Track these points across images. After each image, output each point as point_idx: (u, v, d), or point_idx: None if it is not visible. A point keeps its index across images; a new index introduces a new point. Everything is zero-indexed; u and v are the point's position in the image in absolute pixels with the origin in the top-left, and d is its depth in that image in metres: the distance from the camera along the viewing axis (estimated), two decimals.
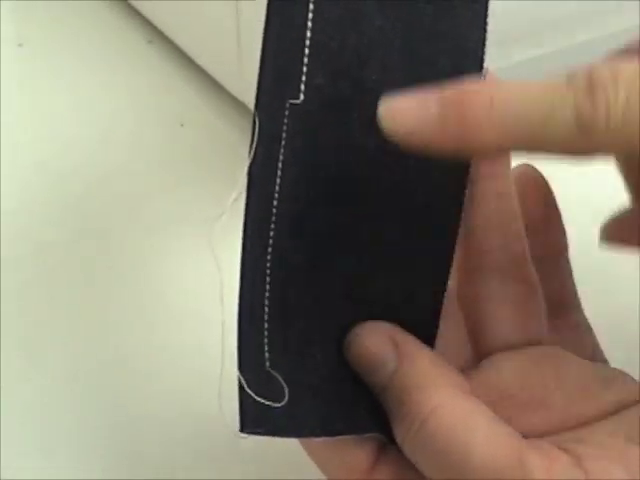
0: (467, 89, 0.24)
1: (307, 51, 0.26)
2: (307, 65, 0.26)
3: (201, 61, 0.52)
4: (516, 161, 0.30)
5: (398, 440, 0.27)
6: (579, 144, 0.23)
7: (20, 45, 0.55)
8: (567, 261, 0.33)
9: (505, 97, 0.23)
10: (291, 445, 0.29)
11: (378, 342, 0.28)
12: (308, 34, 0.26)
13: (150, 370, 0.40)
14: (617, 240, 0.30)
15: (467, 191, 0.29)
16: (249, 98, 0.26)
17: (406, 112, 0.24)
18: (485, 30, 0.28)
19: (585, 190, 0.45)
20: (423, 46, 0.27)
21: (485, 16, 0.28)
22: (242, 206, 0.27)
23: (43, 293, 0.43)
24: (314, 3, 0.26)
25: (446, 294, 0.29)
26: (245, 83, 0.47)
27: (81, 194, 0.47)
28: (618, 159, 0.30)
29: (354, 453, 0.28)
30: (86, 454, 0.37)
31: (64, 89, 0.52)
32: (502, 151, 0.27)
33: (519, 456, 0.25)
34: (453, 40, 0.28)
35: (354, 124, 0.27)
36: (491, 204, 0.29)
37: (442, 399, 0.26)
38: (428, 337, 0.29)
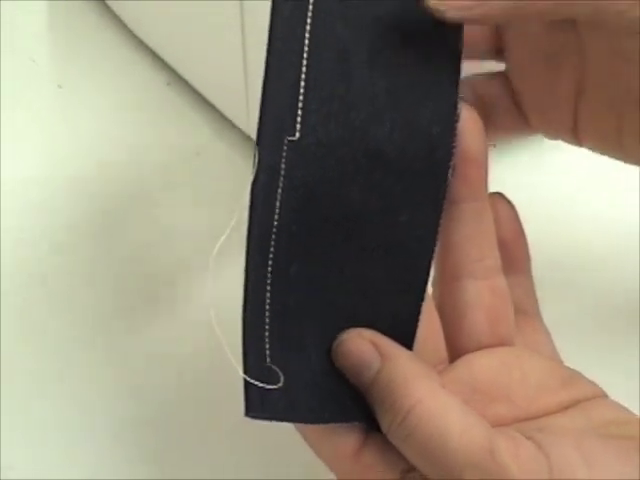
0: None
1: (301, 97, 0.27)
2: (302, 109, 0.27)
3: (213, 100, 0.55)
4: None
5: (384, 430, 0.28)
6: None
7: (60, 87, 0.57)
8: (530, 275, 0.34)
9: None
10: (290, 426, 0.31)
11: (362, 346, 0.28)
12: (302, 84, 0.27)
13: (151, 376, 0.42)
14: None
15: (449, 211, 0.30)
16: (254, 132, 0.29)
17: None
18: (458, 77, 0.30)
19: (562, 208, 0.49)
20: (406, 93, 0.29)
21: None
22: (244, 226, 0.28)
23: (45, 299, 0.45)
24: (307, 59, 0.27)
25: (425, 302, 0.30)
26: (251, 119, 0.50)
27: (108, 213, 0.50)
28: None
29: (342, 439, 0.29)
30: (85, 457, 0.39)
31: (96, 124, 0.55)
32: (506, 17, 0.29)
33: (490, 443, 0.26)
34: (433, 86, 0.29)
35: (345, 160, 0.28)
36: (470, 223, 0.30)
37: (421, 394, 0.27)
38: (407, 341, 0.30)
